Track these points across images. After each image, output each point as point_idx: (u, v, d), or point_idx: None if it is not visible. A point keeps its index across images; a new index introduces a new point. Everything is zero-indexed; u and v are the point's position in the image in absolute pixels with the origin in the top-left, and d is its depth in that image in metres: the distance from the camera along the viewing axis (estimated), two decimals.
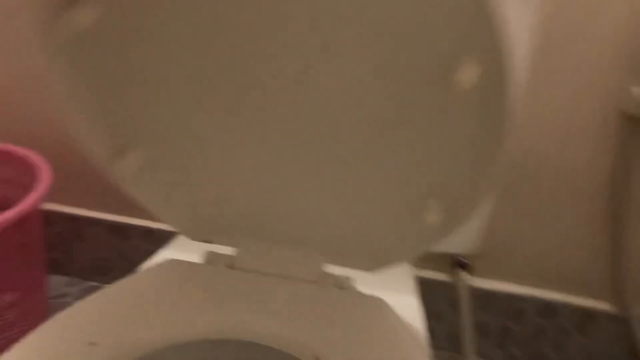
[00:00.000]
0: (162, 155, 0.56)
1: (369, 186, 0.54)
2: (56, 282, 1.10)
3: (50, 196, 1.06)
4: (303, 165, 0.55)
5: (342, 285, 0.58)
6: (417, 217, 0.54)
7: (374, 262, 0.60)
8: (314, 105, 0.50)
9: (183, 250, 0.67)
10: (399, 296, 0.63)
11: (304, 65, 0.47)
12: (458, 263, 0.90)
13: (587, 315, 0.91)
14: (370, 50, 0.45)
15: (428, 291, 0.94)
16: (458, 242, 0.73)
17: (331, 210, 0.57)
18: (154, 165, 0.57)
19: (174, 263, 0.59)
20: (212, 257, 0.61)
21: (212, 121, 0.53)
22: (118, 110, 0.52)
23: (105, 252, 1.07)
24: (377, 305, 0.55)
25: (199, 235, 0.63)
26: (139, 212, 1.03)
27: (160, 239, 1.03)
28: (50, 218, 1.06)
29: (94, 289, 1.09)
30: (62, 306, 1.04)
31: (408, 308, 0.61)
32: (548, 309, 0.92)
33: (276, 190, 0.57)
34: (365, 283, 0.62)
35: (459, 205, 0.51)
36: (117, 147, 0.55)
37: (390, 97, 0.47)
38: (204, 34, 0.47)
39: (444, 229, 0.53)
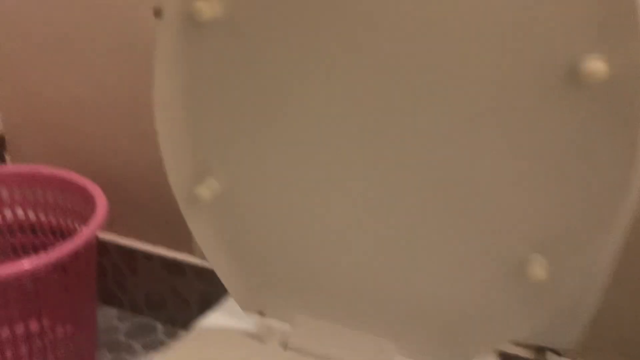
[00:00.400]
0: (238, 191, 0.51)
1: (461, 244, 0.46)
2: (107, 314, 1.05)
3: (106, 226, 1.02)
4: (383, 220, 0.48)
5: None
6: (518, 278, 0.46)
7: (457, 353, 0.51)
8: (408, 141, 0.44)
9: (234, 315, 0.59)
10: None
11: (408, 86, 0.43)
12: None
13: None
14: (493, 50, 0.40)
15: None
16: (553, 336, 0.62)
17: (412, 282, 0.49)
18: (226, 200, 0.52)
19: (218, 335, 0.52)
20: (263, 331, 0.53)
21: (298, 174, 0.48)
22: (212, 135, 0.50)
23: (158, 287, 1.01)
24: None
25: (251, 302, 0.55)
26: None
27: (215, 279, 0.96)
28: (104, 248, 1.02)
29: (145, 325, 1.03)
30: (112, 343, 1.00)
31: None
32: None
33: (347, 259, 0.50)
34: None
35: (572, 255, 0.44)
36: (199, 170, 0.51)
37: (506, 109, 0.41)
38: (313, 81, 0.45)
39: (551, 290, 0.45)
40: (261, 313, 0.55)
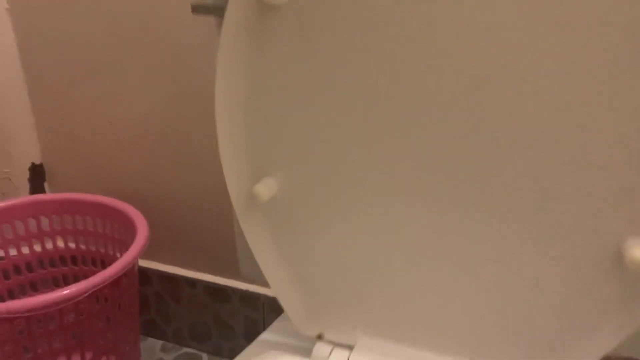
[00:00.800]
0: (296, 194, 0.47)
1: (548, 239, 0.41)
2: (150, 346, 1.01)
3: (146, 253, 0.99)
4: (456, 230, 0.43)
5: None
6: (617, 268, 0.40)
7: None
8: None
9: (288, 337, 0.54)
10: None
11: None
12: None
13: None
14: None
15: None
16: None
17: (488, 294, 0.43)
18: (283, 203, 0.48)
19: (273, 358, 0.47)
20: (322, 355, 0.48)
21: (364, 179, 0.44)
22: (272, 133, 0.46)
23: (202, 316, 0.97)
24: None
25: (309, 323, 0.50)
26: (239, 274, 0.93)
27: (261, 304, 0.91)
28: (146, 277, 0.98)
29: (190, 356, 0.99)
30: None
31: None
32: None
33: (415, 275, 0.44)
34: None
35: None
36: (257, 170, 0.48)
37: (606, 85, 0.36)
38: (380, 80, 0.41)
39: None
40: (320, 336, 0.50)
